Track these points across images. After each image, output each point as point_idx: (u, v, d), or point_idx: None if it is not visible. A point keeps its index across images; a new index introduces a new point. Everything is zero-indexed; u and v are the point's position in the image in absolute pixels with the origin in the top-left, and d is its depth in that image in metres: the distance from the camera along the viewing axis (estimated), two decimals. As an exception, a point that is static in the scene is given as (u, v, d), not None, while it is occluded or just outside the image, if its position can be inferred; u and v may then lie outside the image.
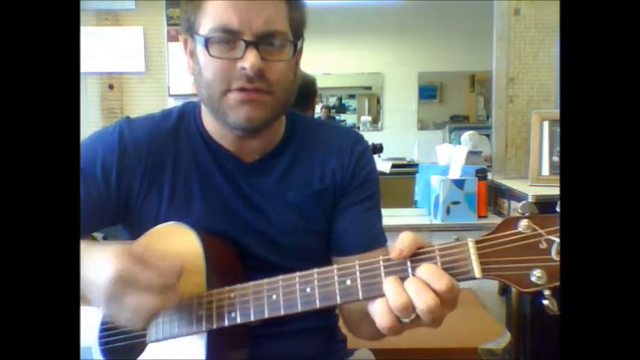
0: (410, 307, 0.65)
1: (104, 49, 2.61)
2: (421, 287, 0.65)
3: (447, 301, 0.65)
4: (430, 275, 0.65)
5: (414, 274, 0.67)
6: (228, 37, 0.83)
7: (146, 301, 0.71)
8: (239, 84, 0.83)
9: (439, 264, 0.67)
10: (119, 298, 0.70)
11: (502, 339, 1.50)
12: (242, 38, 0.82)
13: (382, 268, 0.69)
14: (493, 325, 1.64)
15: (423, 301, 0.64)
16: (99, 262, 0.72)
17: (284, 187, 0.94)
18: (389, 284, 0.67)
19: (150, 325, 0.75)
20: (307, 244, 0.96)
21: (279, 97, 0.87)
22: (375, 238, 0.97)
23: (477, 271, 0.65)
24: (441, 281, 0.65)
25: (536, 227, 0.64)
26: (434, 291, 0.65)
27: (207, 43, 0.83)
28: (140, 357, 0.84)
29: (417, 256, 0.68)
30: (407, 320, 0.66)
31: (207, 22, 0.84)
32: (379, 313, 0.67)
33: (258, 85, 0.83)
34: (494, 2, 2.56)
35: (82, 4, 2.51)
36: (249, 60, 0.81)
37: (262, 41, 0.83)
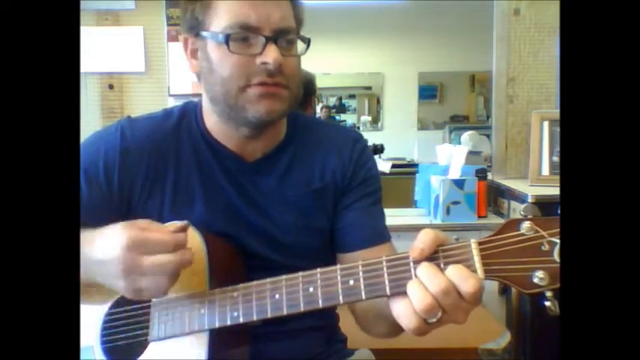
0: (435, 308, 0.65)
1: (104, 49, 2.60)
2: (450, 288, 0.65)
3: (473, 301, 0.65)
4: (459, 276, 0.65)
5: (416, 275, 0.67)
6: (247, 34, 0.84)
7: (165, 259, 0.72)
8: (259, 79, 0.85)
9: (442, 264, 0.67)
10: (136, 264, 0.71)
11: (502, 339, 1.50)
12: (261, 34, 0.84)
13: (385, 268, 0.69)
14: (493, 325, 1.64)
15: (447, 298, 0.65)
16: (105, 241, 0.74)
17: (285, 185, 0.95)
18: (413, 287, 0.66)
19: (170, 287, 0.75)
20: (308, 243, 0.96)
21: (295, 91, 0.89)
22: (379, 233, 0.98)
23: (479, 272, 0.65)
24: (470, 282, 0.64)
25: (539, 229, 0.64)
26: (459, 292, 0.65)
27: (227, 39, 0.84)
28: (142, 356, 0.84)
29: None
30: (433, 320, 0.66)
31: (222, 20, 0.85)
32: (404, 315, 0.67)
33: (278, 79, 0.85)
34: (494, 2, 2.56)
35: (82, 4, 2.51)
36: (272, 55, 0.83)
37: (279, 37, 0.85)
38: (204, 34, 0.87)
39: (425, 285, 0.65)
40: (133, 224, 0.74)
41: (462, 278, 0.65)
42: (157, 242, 0.72)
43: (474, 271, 0.66)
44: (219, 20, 0.85)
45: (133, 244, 0.72)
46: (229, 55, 0.85)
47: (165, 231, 0.74)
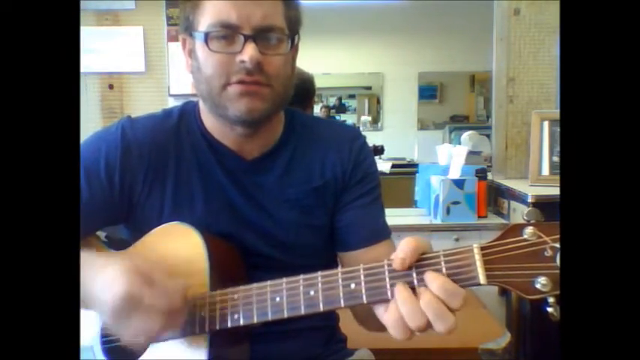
0: (427, 325, 0.65)
1: (104, 49, 2.60)
2: (440, 308, 0.65)
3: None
4: (445, 293, 0.65)
5: (419, 280, 0.67)
6: (227, 32, 0.84)
7: (152, 322, 0.72)
8: (238, 77, 0.85)
9: (444, 270, 0.66)
10: (124, 317, 0.72)
11: (502, 339, 1.50)
12: (241, 32, 0.84)
13: (387, 272, 0.69)
14: (493, 326, 1.64)
15: (443, 323, 0.65)
16: (104, 279, 0.73)
17: (285, 183, 0.95)
18: (402, 300, 0.67)
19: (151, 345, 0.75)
20: (309, 241, 0.96)
21: (278, 90, 0.88)
22: (380, 231, 0.98)
23: (482, 278, 0.65)
24: (456, 300, 0.65)
25: (542, 234, 0.64)
26: (449, 307, 0.65)
27: (206, 37, 0.85)
28: (142, 357, 0.84)
29: (421, 261, 0.68)
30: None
31: (206, 19, 0.85)
32: (394, 326, 0.67)
33: (257, 77, 0.85)
34: (494, 2, 2.56)
35: (82, 4, 2.51)
36: (248, 53, 0.83)
37: (260, 36, 0.85)
38: (193, 33, 0.88)
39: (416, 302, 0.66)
40: (135, 271, 0.73)
41: (450, 294, 0.65)
42: (150, 302, 0.72)
43: (476, 276, 0.65)
44: (205, 20, 0.86)
45: (126, 298, 0.71)
46: (211, 54, 0.85)
47: (163, 288, 0.73)
